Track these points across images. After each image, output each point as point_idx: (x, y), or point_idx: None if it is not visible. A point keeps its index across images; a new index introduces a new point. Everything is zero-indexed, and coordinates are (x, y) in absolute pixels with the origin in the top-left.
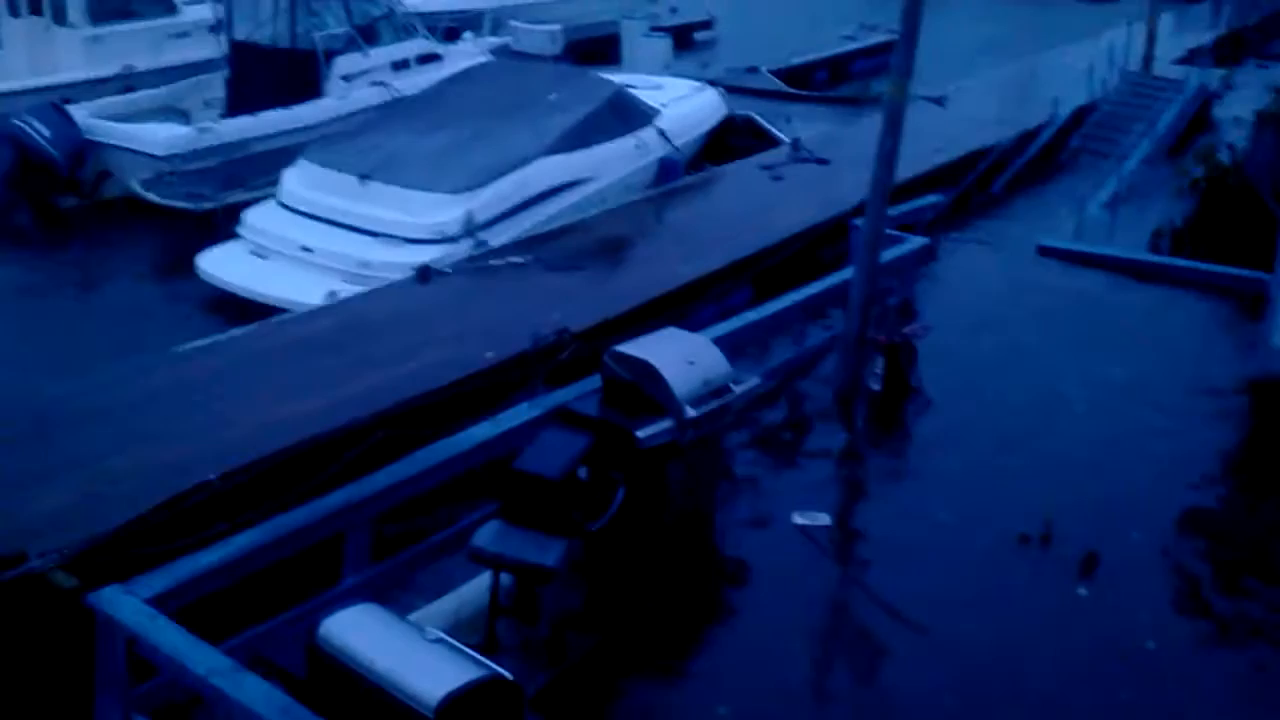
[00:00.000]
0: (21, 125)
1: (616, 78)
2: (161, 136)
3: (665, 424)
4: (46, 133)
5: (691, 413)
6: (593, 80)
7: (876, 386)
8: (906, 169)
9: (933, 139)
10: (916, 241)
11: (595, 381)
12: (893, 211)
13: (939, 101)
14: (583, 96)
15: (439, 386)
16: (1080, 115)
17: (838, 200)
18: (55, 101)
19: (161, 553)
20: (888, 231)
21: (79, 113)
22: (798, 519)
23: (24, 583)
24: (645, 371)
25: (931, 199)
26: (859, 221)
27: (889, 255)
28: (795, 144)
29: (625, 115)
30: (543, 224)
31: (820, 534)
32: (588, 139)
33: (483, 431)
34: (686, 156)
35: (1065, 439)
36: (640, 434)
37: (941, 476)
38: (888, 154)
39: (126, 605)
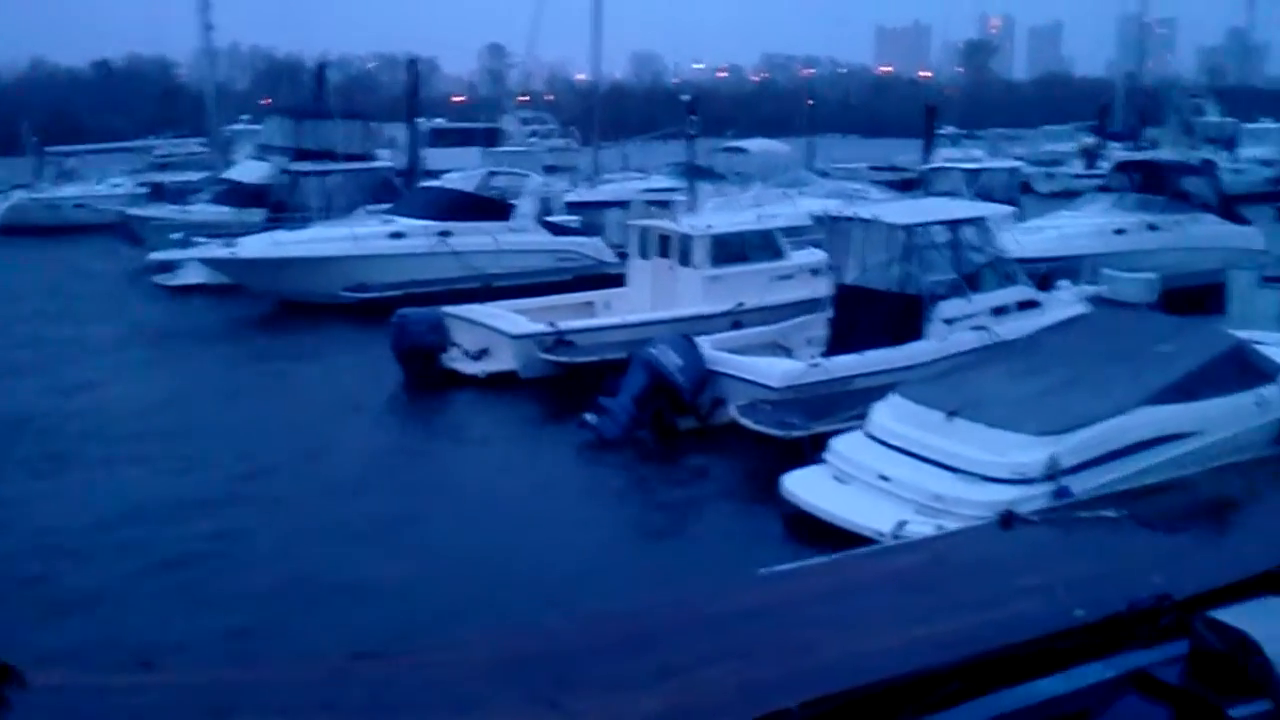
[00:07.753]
0: (657, 353)
1: (1241, 333)
2: (779, 370)
3: (1262, 706)
4: (678, 361)
5: None
6: (1211, 333)
7: None
8: None
9: None
10: None
11: (1180, 647)
12: None
13: None
14: (1196, 349)
15: (1022, 641)
16: None
17: None
18: (686, 334)
19: None
20: None
21: (702, 344)
22: None
23: None
24: (1242, 643)
25: None
26: None
27: None
28: None
29: (1244, 370)
30: (1136, 476)
31: None
32: (1196, 392)
33: (1052, 686)
34: None
35: None
36: (1233, 712)
37: None
38: None
39: None
